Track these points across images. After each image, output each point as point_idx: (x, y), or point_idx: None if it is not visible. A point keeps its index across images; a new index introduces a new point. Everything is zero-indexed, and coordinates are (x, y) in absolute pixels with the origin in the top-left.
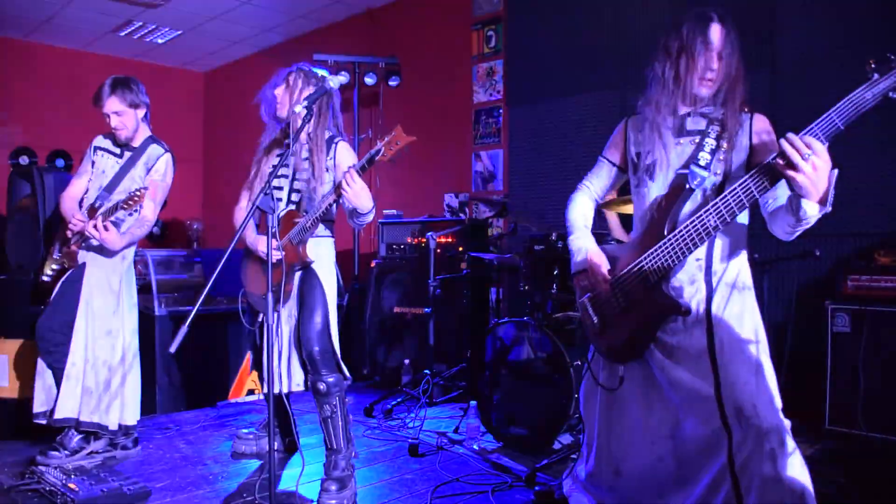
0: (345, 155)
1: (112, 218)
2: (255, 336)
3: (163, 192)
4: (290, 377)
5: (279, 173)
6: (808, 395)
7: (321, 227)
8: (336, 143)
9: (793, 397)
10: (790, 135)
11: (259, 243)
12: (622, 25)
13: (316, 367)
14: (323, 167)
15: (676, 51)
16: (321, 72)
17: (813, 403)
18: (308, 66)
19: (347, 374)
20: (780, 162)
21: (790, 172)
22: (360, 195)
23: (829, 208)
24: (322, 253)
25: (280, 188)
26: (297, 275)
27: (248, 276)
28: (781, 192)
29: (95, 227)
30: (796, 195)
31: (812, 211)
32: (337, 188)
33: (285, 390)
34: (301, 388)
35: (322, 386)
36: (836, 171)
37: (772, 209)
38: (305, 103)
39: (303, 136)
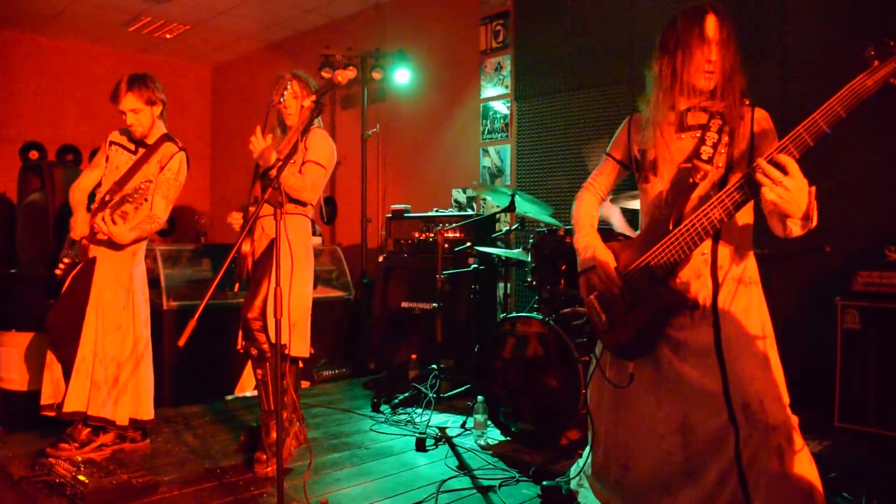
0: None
1: (119, 212)
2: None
3: (175, 190)
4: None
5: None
6: (818, 391)
7: (289, 204)
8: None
9: (803, 394)
10: (761, 162)
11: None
12: (631, 20)
13: (250, 335)
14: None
15: (673, 46)
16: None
17: (823, 400)
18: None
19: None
20: (756, 179)
21: (763, 193)
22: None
23: (812, 224)
24: (287, 228)
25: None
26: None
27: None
28: None
29: (103, 219)
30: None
31: (795, 228)
32: None
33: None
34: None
35: (254, 351)
36: (813, 188)
37: (767, 211)
38: (314, 97)
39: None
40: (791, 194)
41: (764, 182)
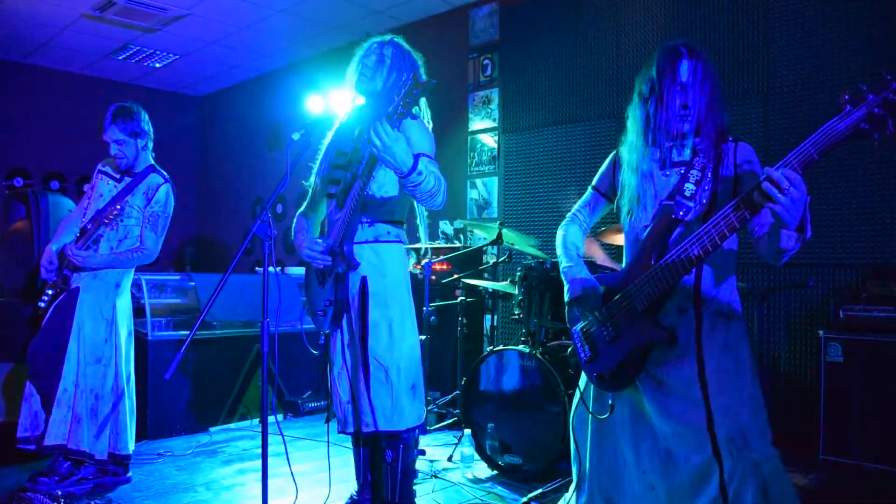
0: (418, 131)
1: (93, 237)
2: (328, 362)
3: (164, 222)
4: (360, 414)
5: (339, 164)
6: (803, 424)
7: (385, 230)
8: (402, 121)
9: (787, 427)
10: (770, 170)
11: (303, 245)
12: (617, 55)
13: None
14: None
15: (648, 92)
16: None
17: (807, 433)
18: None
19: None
20: (758, 194)
21: (769, 204)
22: (390, 148)
23: (808, 235)
24: (386, 261)
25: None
26: (356, 286)
27: (309, 291)
28: (767, 219)
29: (71, 251)
30: (776, 225)
31: (791, 241)
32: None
33: (351, 429)
34: (370, 429)
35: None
36: (808, 198)
37: (757, 236)
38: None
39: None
40: (795, 204)
41: (770, 194)
